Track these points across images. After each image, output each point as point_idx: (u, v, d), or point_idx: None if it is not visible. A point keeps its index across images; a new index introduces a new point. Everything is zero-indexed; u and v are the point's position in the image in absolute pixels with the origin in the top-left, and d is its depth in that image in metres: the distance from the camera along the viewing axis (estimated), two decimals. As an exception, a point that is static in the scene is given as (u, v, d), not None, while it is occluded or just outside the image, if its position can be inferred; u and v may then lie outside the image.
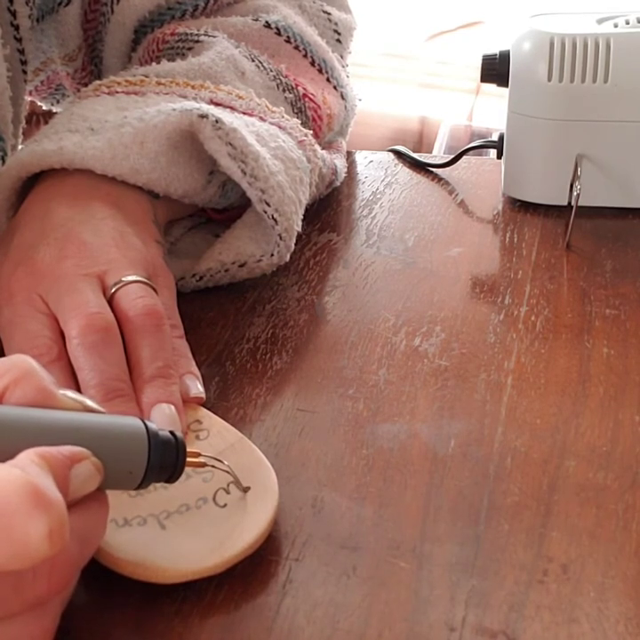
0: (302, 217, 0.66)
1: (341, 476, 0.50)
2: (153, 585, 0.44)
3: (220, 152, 0.61)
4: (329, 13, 0.78)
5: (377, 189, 0.79)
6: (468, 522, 0.48)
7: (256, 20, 0.73)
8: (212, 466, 0.47)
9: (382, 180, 0.80)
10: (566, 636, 0.42)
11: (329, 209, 0.76)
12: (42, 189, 0.61)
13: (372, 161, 0.83)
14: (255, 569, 0.45)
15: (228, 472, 0.48)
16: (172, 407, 0.51)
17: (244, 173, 0.61)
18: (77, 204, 0.59)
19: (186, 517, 0.46)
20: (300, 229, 0.65)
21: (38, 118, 1.17)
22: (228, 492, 0.47)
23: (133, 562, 0.44)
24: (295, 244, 0.64)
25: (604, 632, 0.42)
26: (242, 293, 0.65)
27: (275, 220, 0.62)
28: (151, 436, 0.43)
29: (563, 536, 0.47)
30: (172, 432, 0.44)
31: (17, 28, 0.69)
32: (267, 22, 0.73)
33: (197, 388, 0.54)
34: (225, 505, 0.47)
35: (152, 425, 0.43)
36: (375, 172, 0.82)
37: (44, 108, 0.86)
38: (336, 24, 0.78)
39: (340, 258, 0.70)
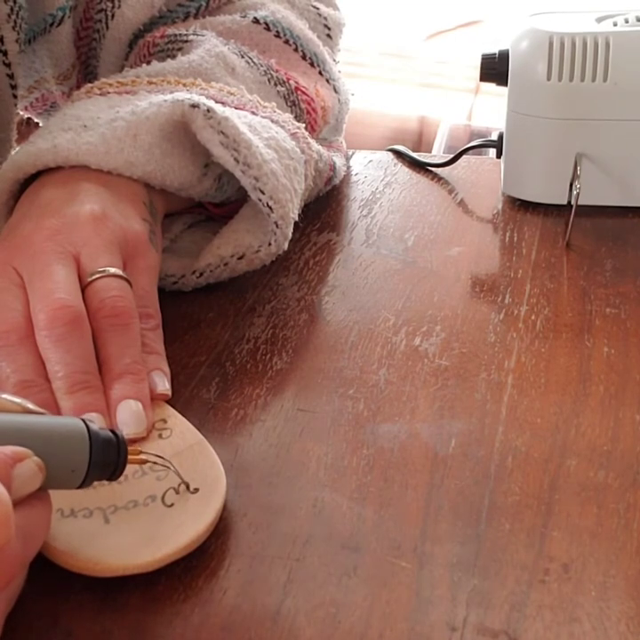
0: (300, 211, 0.65)
1: (342, 476, 0.50)
2: (152, 585, 0.44)
3: (213, 141, 0.61)
4: (317, 8, 0.78)
5: (376, 189, 0.79)
6: (468, 521, 0.48)
7: (244, 16, 0.73)
8: (154, 462, 0.48)
9: (382, 180, 0.80)
10: (568, 636, 0.42)
11: (329, 209, 0.76)
12: (36, 183, 0.61)
13: (371, 161, 0.83)
14: (256, 569, 0.45)
15: (168, 468, 0.48)
16: (139, 403, 0.51)
17: (237, 162, 0.61)
18: (67, 184, 0.59)
19: (132, 514, 0.46)
20: (296, 218, 0.64)
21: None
22: (177, 492, 0.47)
23: (67, 552, 0.44)
24: (295, 244, 0.64)
25: (606, 631, 0.42)
26: (242, 293, 0.65)
27: (270, 208, 0.62)
28: (92, 435, 0.43)
29: (564, 535, 0.47)
30: (113, 431, 0.45)
31: (5, 53, 0.68)
32: (255, 18, 0.72)
33: (164, 385, 0.54)
34: (171, 505, 0.47)
35: (93, 425, 0.44)
36: (375, 171, 0.82)
37: (41, 124, 0.86)
38: (325, 19, 0.78)
39: (339, 258, 0.70)
